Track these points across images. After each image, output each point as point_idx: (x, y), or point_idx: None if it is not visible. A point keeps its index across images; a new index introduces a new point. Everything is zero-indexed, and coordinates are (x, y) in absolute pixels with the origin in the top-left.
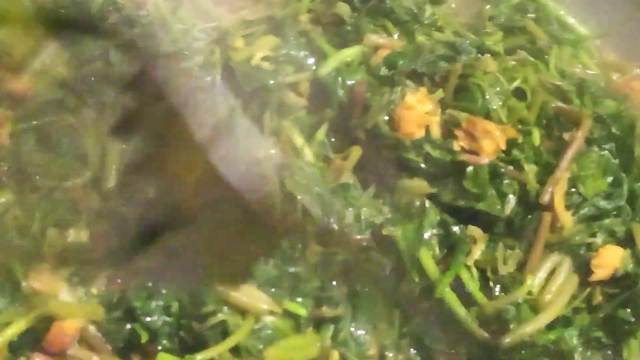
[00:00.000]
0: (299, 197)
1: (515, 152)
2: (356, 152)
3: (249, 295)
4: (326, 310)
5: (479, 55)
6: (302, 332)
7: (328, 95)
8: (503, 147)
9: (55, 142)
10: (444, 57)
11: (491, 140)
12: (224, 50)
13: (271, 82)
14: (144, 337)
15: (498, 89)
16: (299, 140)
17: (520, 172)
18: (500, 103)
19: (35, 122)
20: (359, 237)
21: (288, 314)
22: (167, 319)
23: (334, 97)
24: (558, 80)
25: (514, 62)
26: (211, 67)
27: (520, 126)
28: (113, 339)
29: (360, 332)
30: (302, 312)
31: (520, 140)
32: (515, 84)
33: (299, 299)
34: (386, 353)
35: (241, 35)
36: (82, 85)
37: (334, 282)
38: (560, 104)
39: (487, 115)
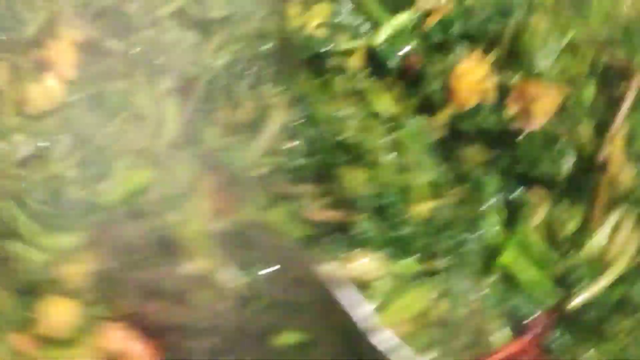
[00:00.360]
0: None
1: (570, 111)
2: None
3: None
4: (434, 264)
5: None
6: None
7: (383, 64)
8: (555, 108)
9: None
10: (495, 17)
11: (542, 102)
12: (278, 18)
13: (325, 49)
14: None
15: (549, 47)
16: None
17: (576, 131)
18: (551, 62)
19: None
20: None
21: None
22: None
23: (389, 65)
24: (604, 27)
25: (564, 16)
26: (266, 35)
27: (573, 83)
28: None
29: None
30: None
31: (574, 97)
32: (566, 39)
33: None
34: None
35: (296, 3)
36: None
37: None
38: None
39: (539, 76)
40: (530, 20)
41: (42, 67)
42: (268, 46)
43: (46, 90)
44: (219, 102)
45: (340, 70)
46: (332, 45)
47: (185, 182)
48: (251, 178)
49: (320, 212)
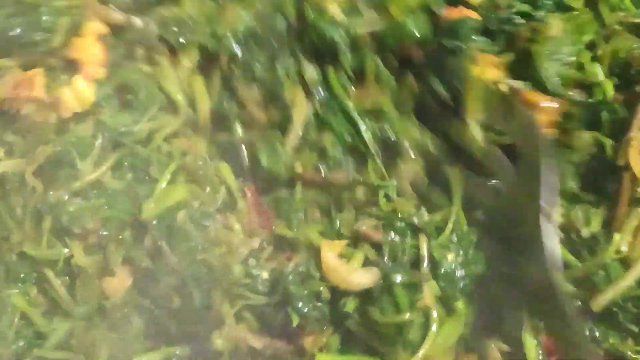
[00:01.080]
0: None
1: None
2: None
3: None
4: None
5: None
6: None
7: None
8: (556, 118)
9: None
10: (521, 13)
11: (543, 114)
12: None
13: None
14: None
15: (562, 53)
16: None
17: (596, 132)
18: (559, 71)
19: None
20: None
21: None
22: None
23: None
24: (633, 15)
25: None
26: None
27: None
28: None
29: None
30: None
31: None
32: (586, 37)
33: None
34: None
35: None
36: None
37: None
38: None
39: (545, 84)
40: (545, 26)
41: (72, 69)
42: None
43: (77, 92)
44: (240, 80)
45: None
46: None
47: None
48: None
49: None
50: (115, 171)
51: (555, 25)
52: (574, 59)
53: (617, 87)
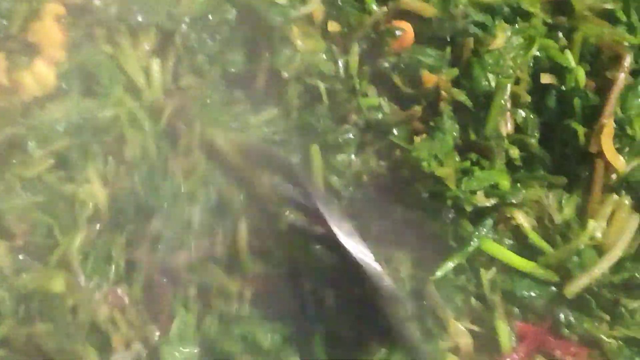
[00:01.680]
0: None
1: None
2: None
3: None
4: None
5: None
6: None
7: None
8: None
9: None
10: (477, 23)
11: None
12: None
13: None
14: None
15: (502, 67)
16: None
17: (569, 117)
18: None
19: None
20: None
21: None
22: None
23: None
24: (603, 1)
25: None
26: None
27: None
28: None
29: None
30: None
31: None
32: (533, 52)
33: None
34: None
35: None
36: None
37: None
38: (604, 32)
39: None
40: (489, 37)
41: (32, 52)
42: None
43: (38, 76)
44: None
45: None
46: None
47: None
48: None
49: None
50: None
51: (500, 37)
52: (514, 72)
53: (588, 74)
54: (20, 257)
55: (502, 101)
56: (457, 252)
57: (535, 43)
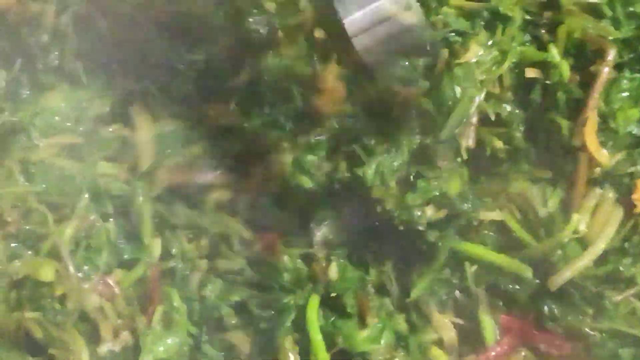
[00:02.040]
0: None
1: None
2: None
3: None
4: None
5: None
6: None
7: None
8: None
9: None
10: (457, 31)
11: None
12: None
13: None
14: None
15: (471, 81)
16: None
17: (553, 111)
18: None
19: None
20: None
21: None
22: None
23: None
24: None
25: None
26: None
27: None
28: None
29: None
30: None
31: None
32: (507, 64)
33: None
34: None
35: None
36: None
37: None
38: (589, 26)
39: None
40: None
41: None
42: None
43: None
44: None
45: None
46: None
47: None
48: None
49: None
50: None
51: (472, 50)
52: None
53: (572, 68)
54: (12, 244)
55: (466, 110)
56: (431, 263)
57: (507, 59)
